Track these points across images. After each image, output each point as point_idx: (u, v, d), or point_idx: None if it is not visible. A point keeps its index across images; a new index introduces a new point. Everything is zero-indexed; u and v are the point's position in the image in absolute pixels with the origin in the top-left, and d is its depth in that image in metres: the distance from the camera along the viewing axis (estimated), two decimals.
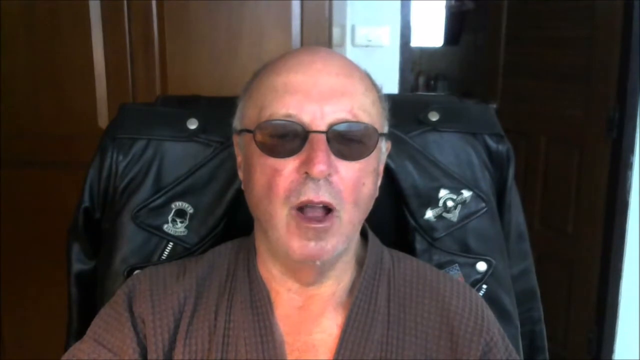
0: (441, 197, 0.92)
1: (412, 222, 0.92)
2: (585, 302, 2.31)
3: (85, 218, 0.93)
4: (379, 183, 0.76)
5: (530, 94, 2.55)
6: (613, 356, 2.25)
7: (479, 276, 0.91)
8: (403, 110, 0.88)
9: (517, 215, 0.99)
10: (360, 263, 0.79)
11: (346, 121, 0.69)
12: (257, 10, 1.63)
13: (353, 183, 0.69)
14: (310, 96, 0.68)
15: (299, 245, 0.68)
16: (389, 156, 0.82)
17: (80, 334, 0.82)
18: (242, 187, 0.77)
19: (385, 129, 0.76)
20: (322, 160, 0.66)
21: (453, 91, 4.41)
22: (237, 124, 0.77)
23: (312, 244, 0.68)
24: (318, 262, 0.69)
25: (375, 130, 0.71)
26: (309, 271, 0.73)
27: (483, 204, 0.93)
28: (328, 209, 0.68)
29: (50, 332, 1.18)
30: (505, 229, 0.97)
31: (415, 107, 0.96)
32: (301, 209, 0.68)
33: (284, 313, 0.75)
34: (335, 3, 1.71)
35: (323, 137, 0.67)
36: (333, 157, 0.68)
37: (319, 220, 0.68)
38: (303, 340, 0.74)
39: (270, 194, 0.69)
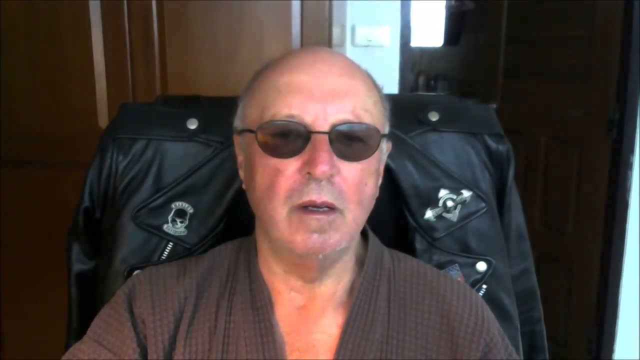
0: (441, 197, 0.92)
1: (412, 222, 0.92)
2: (585, 302, 2.31)
3: (85, 218, 0.93)
4: (379, 183, 0.76)
5: (530, 94, 2.55)
6: (613, 356, 2.25)
7: (479, 276, 0.91)
8: (403, 110, 0.88)
9: (517, 216, 0.99)
10: (360, 263, 0.79)
11: (349, 122, 0.69)
12: (257, 10, 1.63)
13: (355, 183, 0.69)
14: (313, 96, 0.68)
15: (302, 238, 0.68)
16: (389, 156, 0.82)
17: (80, 334, 0.82)
18: (244, 186, 0.77)
19: (387, 130, 0.76)
20: (325, 160, 0.66)
21: (453, 91, 4.41)
22: (238, 123, 0.77)
23: (315, 236, 0.68)
24: (321, 256, 0.69)
25: (377, 130, 0.71)
26: (311, 266, 0.73)
27: (483, 204, 0.93)
28: (331, 209, 0.68)
29: (50, 332, 1.18)
30: (505, 229, 0.97)
31: (415, 107, 0.96)
32: (303, 208, 0.68)
33: (285, 313, 0.75)
34: (335, 3, 1.71)
35: (325, 137, 0.67)
36: (335, 157, 0.68)
37: (322, 213, 0.68)
38: (303, 341, 0.74)
39: (271, 193, 0.69)
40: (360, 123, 0.69)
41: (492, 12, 2.81)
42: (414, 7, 2.38)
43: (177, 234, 0.89)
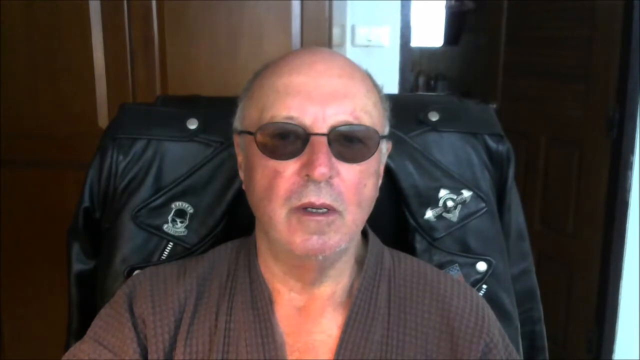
0: (441, 197, 0.92)
1: (412, 222, 0.92)
2: (585, 302, 2.31)
3: (85, 218, 0.93)
4: (379, 184, 0.76)
5: (530, 94, 2.55)
6: (613, 356, 2.25)
7: (479, 276, 0.91)
8: (403, 110, 0.88)
9: (517, 215, 0.99)
10: (360, 263, 0.79)
11: (348, 123, 0.69)
12: (257, 10, 1.63)
13: (354, 185, 0.69)
14: (311, 98, 0.68)
15: (301, 240, 0.68)
16: (389, 156, 0.82)
17: (80, 334, 0.82)
18: (243, 187, 0.77)
19: (387, 130, 0.76)
20: (324, 162, 0.66)
21: (453, 91, 4.41)
22: (237, 124, 0.77)
23: (314, 237, 0.68)
24: (320, 257, 0.69)
25: (376, 132, 0.71)
26: (310, 268, 0.73)
27: (483, 204, 0.93)
28: (330, 210, 0.68)
29: (50, 332, 1.19)
30: (505, 229, 0.97)
31: (415, 107, 0.96)
32: (302, 209, 0.68)
33: (284, 314, 0.75)
34: (335, 3, 1.71)
35: (324, 139, 0.67)
36: (334, 159, 0.68)
37: (321, 214, 0.68)
38: (303, 341, 0.74)
39: (270, 195, 0.69)
40: (359, 124, 0.69)
41: (492, 12, 2.81)
42: (414, 7, 2.38)
43: (177, 234, 0.89)
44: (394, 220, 0.93)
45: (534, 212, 2.48)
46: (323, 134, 0.67)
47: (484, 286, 0.91)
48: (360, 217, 0.72)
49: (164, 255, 0.89)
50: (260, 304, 0.74)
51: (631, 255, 2.19)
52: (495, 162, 0.96)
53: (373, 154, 0.71)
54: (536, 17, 2.52)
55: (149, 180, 0.91)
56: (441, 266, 0.90)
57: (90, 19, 1.64)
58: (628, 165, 2.14)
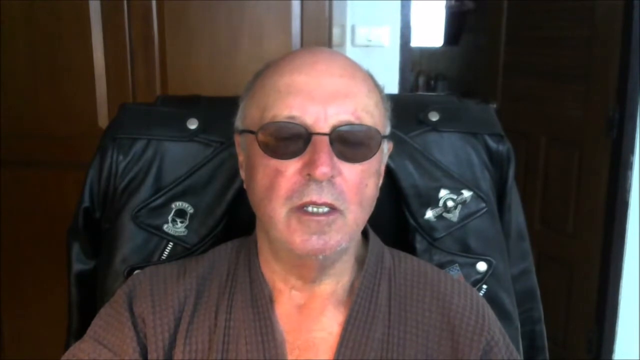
0: (441, 197, 0.92)
1: (412, 222, 0.92)
2: (585, 302, 2.31)
3: (86, 218, 0.93)
4: (380, 184, 0.76)
5: (530, 94, 2.55)
6: (613, 356, 2.25)
7: (479, 276, 0.91)
8: (403, 110, 0.87)
9: (517, 215, 0.99)
10: (360, 262, 0.79)
11: (349, 123, 0.69)
12: (257, 10, 1.63)
13: (356, 185, 0.69)
14: (313, 98, 0.68)
15: (301, 240, 0.68)
16: (390, 156, 0.82)
17: (80, 333, 0.82)
18: (244, 186, 0.78)
19: (388, 130, 0.76)
20: (325, 162, 0.66)
21: (453, 91, 4.40)
22: (239, 123, 0.77)
23: (314, 237, 0.68)
24: (321, 257, 0.69)
25: (378, 132, 0.71)
26: (311, 266, 0.73)
27: (483, 204, 0.93)
28: (331, 209, 0.68)
29: (50, 332, 1.18)
30: (505, 229, 0.97)
31: (415, 107, 0.96)
32: (302, 209, 0.68)
33: (285, 312, 0.75)
34: (335, 3, 1.71)
35: (326, 139, 0.67)
36: (336, 158, 0.68)
37: (322, 214, 0.68)
38: (304, 339, 0.74)
39: (271, 194, 0.69)
40: (360, 124, 0.69)
41: (492, 12, 2.82)
42: (414, 7, 2.38)
43: (177, 234, 0.89)
44: (394, 220, 0.93)
45: (534, 212, 2.48)
46: (325, 134, 0.67)
47: (484, 286, 0.91)
48: (361, 217, 0.72)
49: (164, 255, 0.89)
50: (260, 303, 0.75)
51: (631, 255, 2.19)
52: (496, 162, 0.96)
53: (375, 153, 0.71)
54: (536, 17, 2.52)
55: (149, 180, 0.91)
56: (441, 266, 0.90)
57: (90, 19, 1.64)
58: (628, 165, 2.14)
